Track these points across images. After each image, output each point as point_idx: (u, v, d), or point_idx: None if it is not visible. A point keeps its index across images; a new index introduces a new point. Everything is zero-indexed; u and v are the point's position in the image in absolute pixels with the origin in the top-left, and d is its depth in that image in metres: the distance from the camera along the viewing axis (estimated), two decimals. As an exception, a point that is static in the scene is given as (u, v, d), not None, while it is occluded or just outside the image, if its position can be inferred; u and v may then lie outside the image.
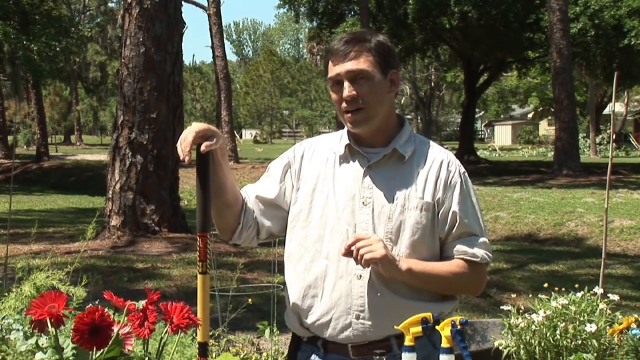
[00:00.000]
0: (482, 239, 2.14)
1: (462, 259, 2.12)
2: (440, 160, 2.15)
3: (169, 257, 9.12)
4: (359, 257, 1.98)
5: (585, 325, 2.05)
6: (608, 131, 41.61)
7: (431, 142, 2.22)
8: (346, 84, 2.07)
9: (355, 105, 2.08)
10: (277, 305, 4.40)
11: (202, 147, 1.96)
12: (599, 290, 2.21)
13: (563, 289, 2.28)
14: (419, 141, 2.19)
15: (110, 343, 1.57)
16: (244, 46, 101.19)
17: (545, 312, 2.11)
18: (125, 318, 1.63)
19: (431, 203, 2.11)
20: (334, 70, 2.10)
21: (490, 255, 2.16)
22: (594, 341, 2.05)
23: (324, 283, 2.12)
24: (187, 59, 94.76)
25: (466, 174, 2.19)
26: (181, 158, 1.97)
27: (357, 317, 2.09)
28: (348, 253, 2.01)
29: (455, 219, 2.12)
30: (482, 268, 2.16)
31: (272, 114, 71.07)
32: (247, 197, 2.20)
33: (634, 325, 2.00)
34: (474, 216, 2.14)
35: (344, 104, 2.09)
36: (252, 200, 2.20)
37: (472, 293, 2.29)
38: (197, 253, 1.89)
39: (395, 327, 1.82)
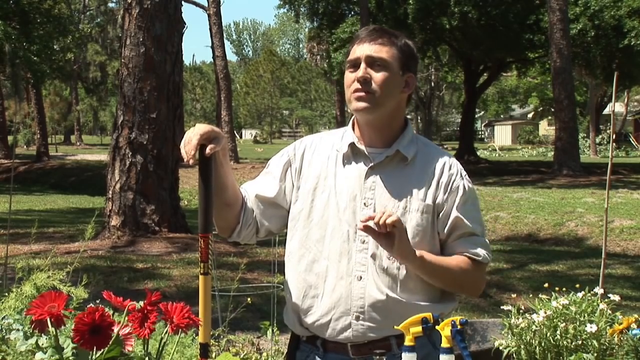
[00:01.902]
0: (482, 239, 2.16)
1: (465, 256, 2.12)
2: (442, 162, 2.15)
3: (169, 257, 9.11)
4: (381, 222, 1.94)
5: (586, 326, 2.05)
6: (608, 131, 41.62)
7: (433, 144, 2.23)
8: (363, 65, 2.09)
9: (366, 87, 2.08)
10: (277, 305, 4.40)
11: (207, 150, 1.95)
12: (599, 290, 2.21)
13: (563, 289, 2.28)
14: (421, 143, 2.19)
15: (110, 343, 1.57)
16: (244, 46, 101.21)
17: (545, 312, 2.11)
18: (125, 318, 1.63)
19: (431, 205, 2.11)
20: (355, 52, 2.12)
21: (490, 255, 2.17)
22: (594, 341, 2.05)
23: (324, 284, 2.12)
24: (187, 59, 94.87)
25: (467, 176, 2.19)
26: (185, 160, 1.97)
27: (357, 318, 2.09)
28: (366, 228, 1.97)
29: (457, 222, 2.12)
30: (483, 268, 2.17)
31: (272, 114, 71.09)
32: (247, 195, 2.20)
33: (634, 325, 2.00)
34: (475, 218, 2.15)
35: (355, 84, 2.09)
36: (252, 199, 2.20)
37: (472, 293, 2.29)
38: (199, 254, 1.89)
39: (395, 327, 1.82)
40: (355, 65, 2.10)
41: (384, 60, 2.09)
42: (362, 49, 2.10)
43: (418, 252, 2.04)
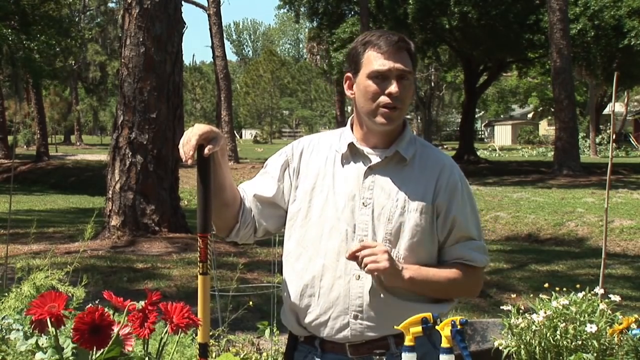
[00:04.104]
0: (479, 243, 2.16)
1: (460, 263, 2.13)
2: (440, 164, 2.16)
3: (169, 257, 9.11)
4: (362, 265, 2.00)
5: (586, 326, 2.05)
6: (608, 131, 41.62)
7: (431, 146, 2.23)
8: (395, 80, 2.07)
9: (396, 103, 2.07)
10: (277, 305, 4.40)
11: (205, 151, 1.95)
12: (599, 290, 2.21)
13: (563, 289, 2.28)
14: (419, 144, 2.19)
15: (110, 343, 1.57)
16: (244, 46, 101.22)
17: (545, 312, 2.11)
18: (125, 318, 1.63)
19: (430, 206, 2.11)
20: (383, 63, 2.07)
21: (487, 258, 2.18)
22: (594, 341, 2.05)
23: (322, 282, 2.12)
24: (187, 59, 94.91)
25: (464, 177, 2.20)
26: (184, 160, 1.97)
27: (355, 317, 2.09)
28: (353, 257, 2.02)
29: (454, 223, 2.12)
30: (479, 272, 2.18)
31: (272, 114, 71.10)
32: (245, 195, 2.20)
33: (634, 326, 2.00)
34: (472, 220, 2.15)
35: (384, 99, 2.07)
36: (250, 199, 2.20)
37: (468, 296, 2.29)
38: (198, 254, 1.89)
39: (395, 327, 1.82)
40: (384, 77, 2.07)
41: (411, 75, 2.09)
42: (392, 62, 2.06)
43: (407, 275, 2.05)
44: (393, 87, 2.05)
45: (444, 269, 2.12)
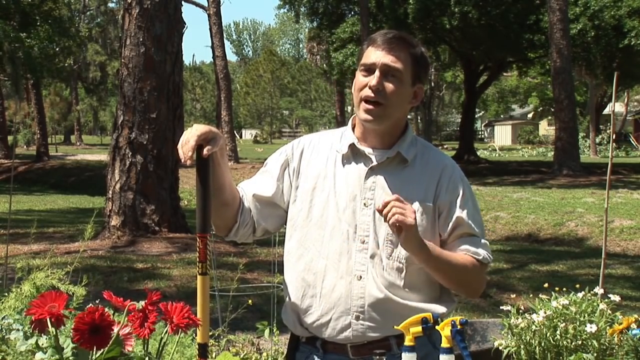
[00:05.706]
0: (483, 240, 2.15)
1: (467, 255, 2.12)
2: (441, 165, 2.16)
3: (169, 257, 9.11)
4: (389, 216, 1.94)
5: (586, 326, 2.05)
6: (608, 131, 41.63)
7: (432, 146, 2.23)
8: (377, 73, 2.07)
9: (377, 97, 2.07)
10: (277, 305, 4.40)
11: (204, 152, 1.95)
12: (599, 290, 2.21)
13: (563, 289, 2.28)
14: (421, 145, 2.19)
15: (110, 343, 1.57)
16: (244, 46, 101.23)
17: (545, 312, 2.11)
18: (125, 318, 1.63)
19: (431, 206, 2.11)
20: (371, 57, 2.09)
21: (491, 257, 2.17)
22: (594, 341, 2.05)
23: (323, 283, 2.12)
24: (187, 59, 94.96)
25: (465, 178, 2.20)
26: (183, 161, 1.96)
27: (357, 318, 2.09)
28: (381, 209, 1.96)
29: (457, 222, 2.12)
30: (483, 268, 2.17)
31: (272, 114, 71.12)
32: (244, 194, 2.19)
33: (634, 326, 2.00)
34: (474, 219, 2.15)
35: (366, 91, 2.08)
36: (249, 198, 2.19)
37: (471, 293, 2.27)
38: (197, 254, 1.89)
39: (395, 327, 1.82)
40: (370, 70, 2.09)
41: (399, 72, 2.07)
42: (378, 56, 2.07)
43: (425, 243, 2.02)
44: (373, 80, 2.06)
45: (458, 255, 2.11)
